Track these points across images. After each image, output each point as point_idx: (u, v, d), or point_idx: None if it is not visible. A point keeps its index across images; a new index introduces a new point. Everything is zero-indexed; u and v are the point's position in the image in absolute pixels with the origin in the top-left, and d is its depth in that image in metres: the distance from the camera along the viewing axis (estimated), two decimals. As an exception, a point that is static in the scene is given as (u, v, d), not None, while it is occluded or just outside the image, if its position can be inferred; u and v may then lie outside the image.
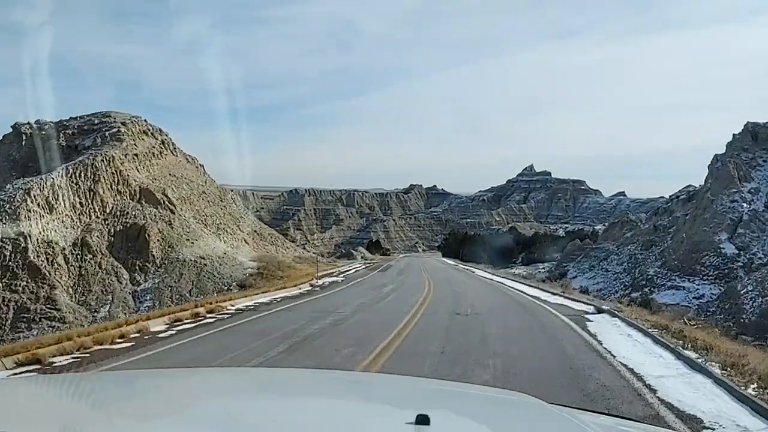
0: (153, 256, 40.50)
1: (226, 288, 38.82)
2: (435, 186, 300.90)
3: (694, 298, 45.46)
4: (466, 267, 66.44)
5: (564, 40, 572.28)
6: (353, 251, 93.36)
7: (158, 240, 41.34)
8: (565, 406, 2.63)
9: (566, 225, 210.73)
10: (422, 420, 1.65)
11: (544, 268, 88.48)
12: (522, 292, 28.63)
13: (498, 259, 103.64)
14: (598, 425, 2.25)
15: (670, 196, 67.04)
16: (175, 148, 53.61)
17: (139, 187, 44.32)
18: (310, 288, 28.61)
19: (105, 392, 2.23)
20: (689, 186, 64.14)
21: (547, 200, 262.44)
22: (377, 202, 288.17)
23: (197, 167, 55.66)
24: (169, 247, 41.43)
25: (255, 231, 54.49)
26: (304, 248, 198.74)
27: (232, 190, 60.42)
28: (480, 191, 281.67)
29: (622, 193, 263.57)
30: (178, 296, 38.00)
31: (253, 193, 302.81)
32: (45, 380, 3.24)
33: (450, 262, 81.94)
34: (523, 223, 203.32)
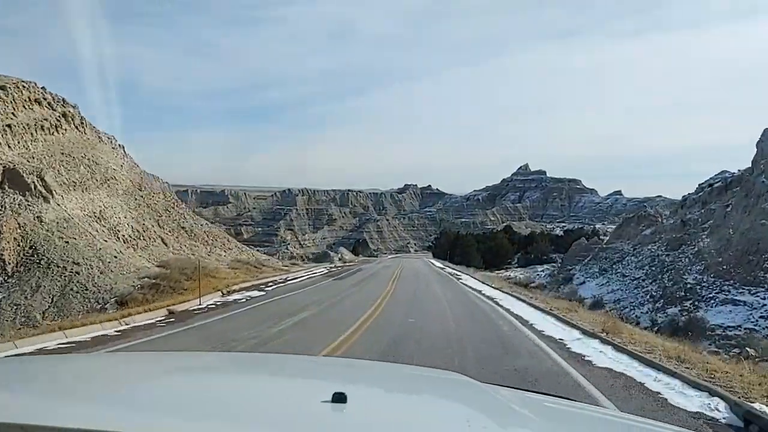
0: (3, 261, 27.96)
1: (99, 306, 26.34)
2: (430, 186, 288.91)
3: (761, 317, 32.73)
4: (454, 271, 53.94)
5: (563, 40, 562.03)
6: (331, 252, 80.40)
7: (15, 238, 28.77)
8: (494, 384, 2.49)
9: (563, 224, 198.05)
10: (339, 398, 1.53)
11: (543, 270, 75.86)
12: (527, 324, 16.04)
13: (492, 260, 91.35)
14: (524, 401, 2.16)
15: (700, 185, 54.10)
16: (82, 123, 41.08)
17: (3, 167, 31.77)
18: (163, 317, 16.12)
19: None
20: (724, 172, 51.40)
21: (542, 199, 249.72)
22: (372, 202, 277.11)
23: (113, 148, 43.13)
24: (30, 248, 28.85)
25: (183, 227, 41.96)
26: (288, 248, 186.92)
27: (162, 182, 47.85)
28: (474, 191, 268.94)
29: (619, 192, 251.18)
30: (24, 318, 25.45)
31: (245, 193, 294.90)
32: None
33: (437, 264, 69.36)
34: (519, 222, 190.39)
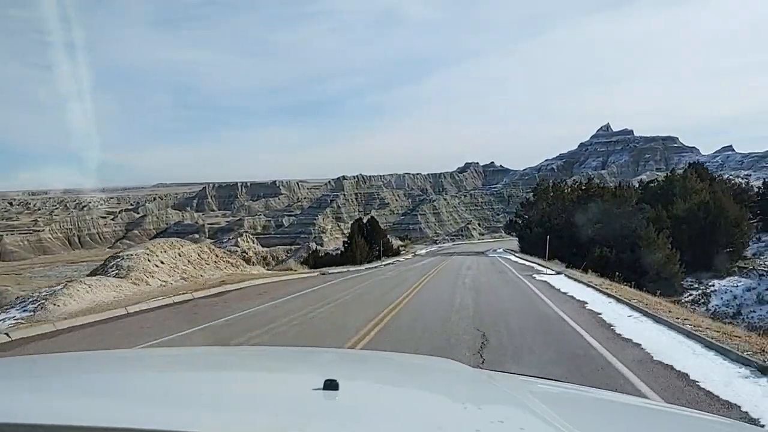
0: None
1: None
2: (492, 163, 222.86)
3: None
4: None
5: (613, 10, 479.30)
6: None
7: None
8: (494, 370, 2.19)
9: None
10: (330, 385, 1.42)
11: None
12: None
13: (699, 247, 28.02)
14: (530, 389, 1.88)
15: None
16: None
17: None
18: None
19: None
20: None
21: (632, 163, 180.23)
22: (430, 184, 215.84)
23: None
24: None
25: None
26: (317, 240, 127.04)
27: None
28: (546, 160, 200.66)
29: (729, 148, 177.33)
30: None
31: (297, 184, 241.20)
32: None
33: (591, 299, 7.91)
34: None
